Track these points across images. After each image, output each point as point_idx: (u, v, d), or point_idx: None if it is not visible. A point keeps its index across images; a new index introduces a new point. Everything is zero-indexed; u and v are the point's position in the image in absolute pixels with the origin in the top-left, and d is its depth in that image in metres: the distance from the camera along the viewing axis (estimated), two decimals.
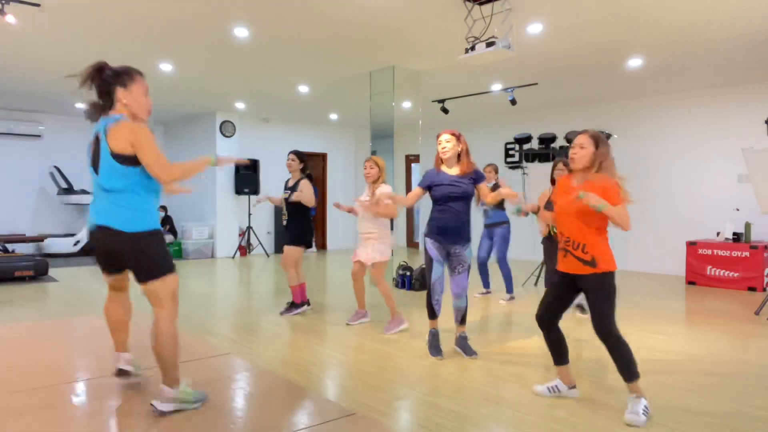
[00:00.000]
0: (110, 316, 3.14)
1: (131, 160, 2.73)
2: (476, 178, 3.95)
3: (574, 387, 3.18)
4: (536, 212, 4.32)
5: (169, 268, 2.83)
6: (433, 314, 4.06)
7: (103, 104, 2.87)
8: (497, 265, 6.28)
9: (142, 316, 5.33)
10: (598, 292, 2.89)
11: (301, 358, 3.94)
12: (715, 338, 4.59)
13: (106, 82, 2.82)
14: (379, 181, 4.83)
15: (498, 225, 6.21)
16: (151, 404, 2.82)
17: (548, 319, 3.10)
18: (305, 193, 5.19)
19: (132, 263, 2.78)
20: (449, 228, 3.92)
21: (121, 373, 3.17)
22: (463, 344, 4.06)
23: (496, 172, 6.35)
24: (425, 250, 4.01)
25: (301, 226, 5.28)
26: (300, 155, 5.35)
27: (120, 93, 2.81)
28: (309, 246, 5.39)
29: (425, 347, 4.17)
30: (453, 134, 3.95)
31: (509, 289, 6.20)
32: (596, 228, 2.92)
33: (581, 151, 2.94)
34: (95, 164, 2.79)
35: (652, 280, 7.87)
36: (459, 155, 3.97)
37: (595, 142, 2.92)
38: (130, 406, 2.96)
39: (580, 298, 5.35)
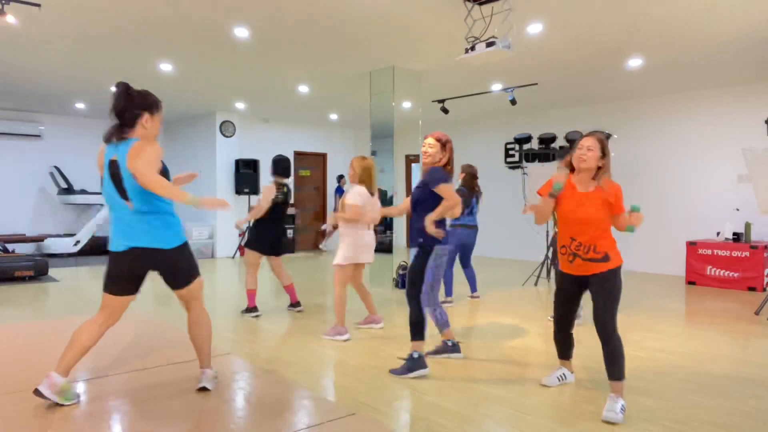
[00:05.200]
0: (83, 336, 2.94)
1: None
2: (428, 181, 3.57)
3: (572, 372, 3.49)
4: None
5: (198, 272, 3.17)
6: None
7: (122, 125, 2.94)
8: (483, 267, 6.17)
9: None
10: (607, 287, 3.00)
11: (301, 358, 3.94)
12: (715, 338, 4.59)
13: (134, 105, 2.93)
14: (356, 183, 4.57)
15: (463, 228, 5.88)
16: (202, 387, 3.16)
17: (567, 322, 3.29)
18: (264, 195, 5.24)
19: (170, 275, 3.04)
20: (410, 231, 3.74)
21: (38, 393, 2.87)
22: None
23: (474, 178, 5.88)
24: None
25: (257, 232, 5.27)
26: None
27: (145, 118, 2.96)
28: (264, 253, 5.25)
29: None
30: (438, 140, 3.62)
31: (473, 288, 6.18)
32: (603, 228, 3.02)
33: (590, 153, 3.03)
34: (119, 187, 2.91)
35: (652, 280, 7.87)
36: (447, 164, 3.62)
37: (602, 147, 3.03)
38: (130, 407, 2.96)
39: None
